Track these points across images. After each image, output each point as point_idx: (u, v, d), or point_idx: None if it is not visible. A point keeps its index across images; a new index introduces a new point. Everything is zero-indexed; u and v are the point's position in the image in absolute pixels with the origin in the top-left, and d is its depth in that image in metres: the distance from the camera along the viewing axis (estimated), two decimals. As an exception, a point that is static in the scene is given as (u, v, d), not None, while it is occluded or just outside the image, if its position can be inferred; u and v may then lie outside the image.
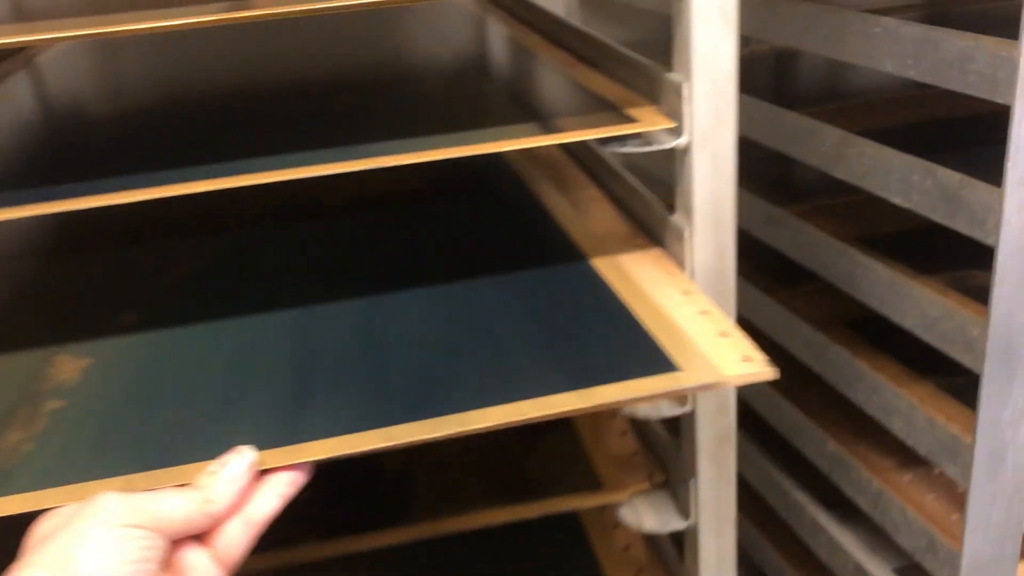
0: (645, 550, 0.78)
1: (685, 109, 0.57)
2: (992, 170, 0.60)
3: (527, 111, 0.64)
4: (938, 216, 0.66)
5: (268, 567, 0.64)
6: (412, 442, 0.45)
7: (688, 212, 0.60)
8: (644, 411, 0.66)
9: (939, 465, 0.70)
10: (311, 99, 0.73)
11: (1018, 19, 0.55)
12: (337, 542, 0.66)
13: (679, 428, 0.67)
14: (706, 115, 0.57)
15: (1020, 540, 0.71)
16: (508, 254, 0.66)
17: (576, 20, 0.90)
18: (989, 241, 0.61)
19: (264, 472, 0.44)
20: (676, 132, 0.58)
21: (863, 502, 0.82)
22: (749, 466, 0.99)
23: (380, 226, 0.73)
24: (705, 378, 0.49)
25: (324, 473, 0.47)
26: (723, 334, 0.53)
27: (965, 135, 0.84)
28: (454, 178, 0.82)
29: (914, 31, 0.65)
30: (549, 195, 0.76)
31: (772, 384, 0.92)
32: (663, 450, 0.71)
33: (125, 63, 0.93)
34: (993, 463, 0.66)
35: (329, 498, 0.72)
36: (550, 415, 0.46)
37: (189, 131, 0.66)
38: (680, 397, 0.64)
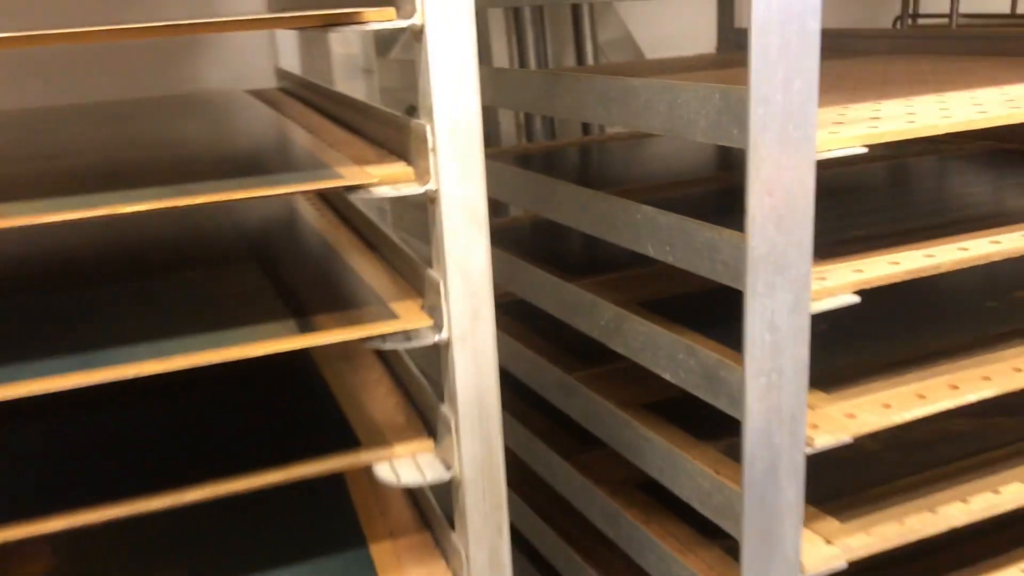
0: None
1: (443, 307, 0.58)
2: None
3: (295, 305, 0.64)
4: (701, 393, 0.68)
5: None
6: None
7: (453, 404, 0.61)
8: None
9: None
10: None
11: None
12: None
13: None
14: (462, 313, 0.59)
15: None
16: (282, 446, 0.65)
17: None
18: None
19: None
20: (437, 328, 0.59)
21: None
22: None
23: (164, 414, 0.71)
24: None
25: None
26: None
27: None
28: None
29: (670, 220, 0.68)
30: (338, 380, 0.76)
31: (577, 550, 0.92)
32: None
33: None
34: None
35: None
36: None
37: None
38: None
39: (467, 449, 0.61)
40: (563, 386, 0.90)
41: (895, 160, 1.04)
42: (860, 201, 0.84)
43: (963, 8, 1.45)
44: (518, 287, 0.93)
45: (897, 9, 1.46)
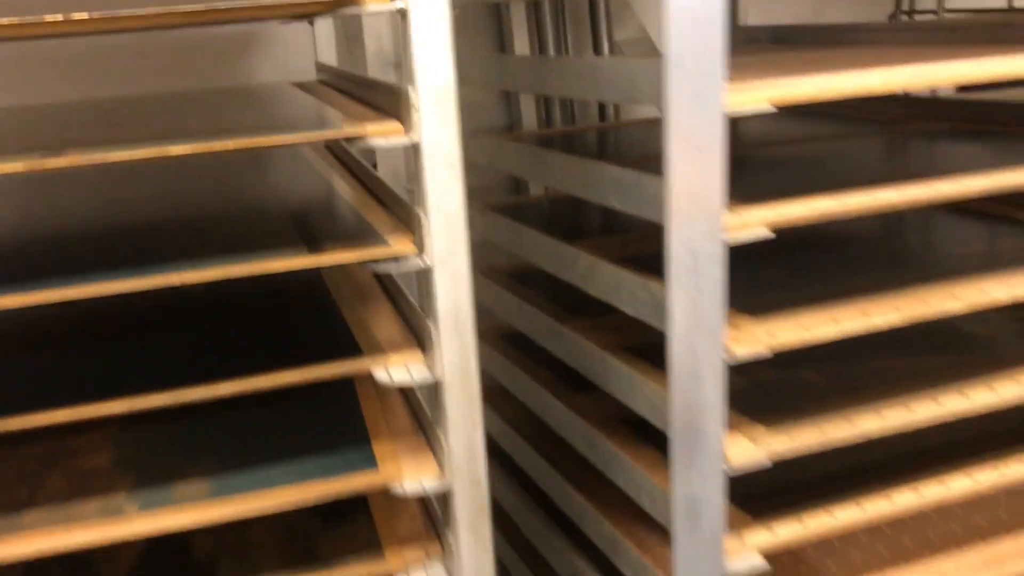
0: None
1: (427, 238, 0.72)
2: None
3: (310, 236, 0.78)
4: (652, 320, 0.81)
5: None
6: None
7: (435, 319, 0.75)
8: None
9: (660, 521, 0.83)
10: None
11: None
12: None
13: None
14: (442, 243, 0.72)
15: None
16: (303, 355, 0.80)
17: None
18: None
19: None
20: (420, 255, 0.73)
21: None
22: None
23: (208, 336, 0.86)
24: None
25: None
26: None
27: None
28: (276, 287, 0.96)
29: (616, 173, 0.81)
30: (351, 312, 0.90)
31: (564, 475, 1.05)
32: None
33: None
34: (690, 515, 0.79)
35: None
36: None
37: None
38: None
39: (447, 356, 0.75)
40: (555, 333, 1.03)
41: (851, 137, 1.15)
42: (798, 165, 0.97)
43: (958, 3, 1.56)
44: (526, 253, 1.06)
45: (890, 7, 1.58)
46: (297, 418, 0.89)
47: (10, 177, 1.14)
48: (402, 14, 0.69)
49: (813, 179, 0.88)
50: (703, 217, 0.71)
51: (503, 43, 1.60)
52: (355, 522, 0.88)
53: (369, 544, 0.84)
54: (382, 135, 0.71)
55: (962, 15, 1.54)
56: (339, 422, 0.87)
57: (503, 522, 1.22)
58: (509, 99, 1.61)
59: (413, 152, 0.72)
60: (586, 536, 0.99)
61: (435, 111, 0.70)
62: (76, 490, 0.78)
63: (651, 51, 1.68)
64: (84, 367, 0.81)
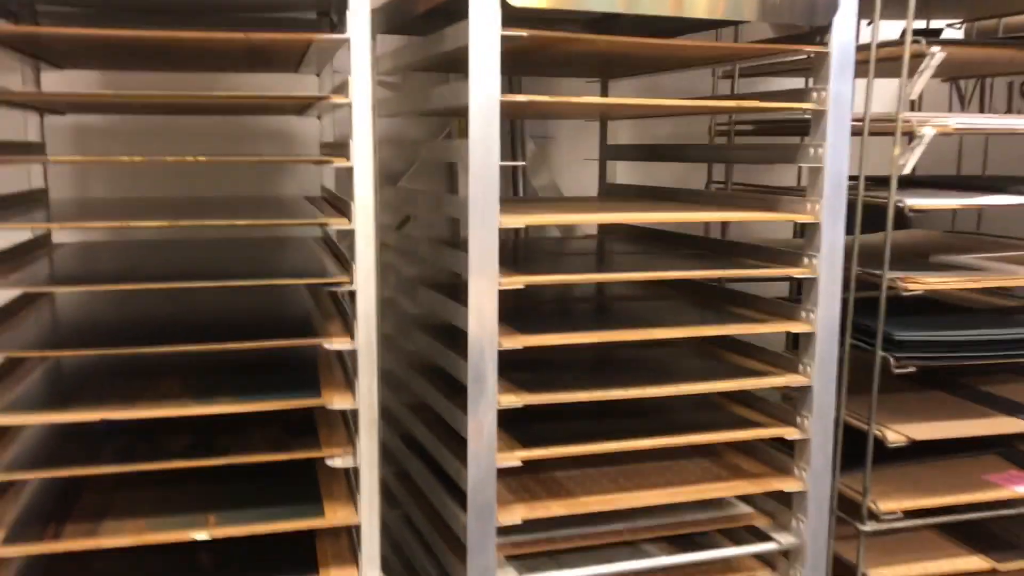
0: None
1: (355, 273, 1.48)
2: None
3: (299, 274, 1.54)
4: (464, 328, 1.55)
5: None
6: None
7: (357, 320, 1.50)
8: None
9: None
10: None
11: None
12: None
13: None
14: (362, 276, 1.48)
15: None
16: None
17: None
18: (480, 340, 1.51)
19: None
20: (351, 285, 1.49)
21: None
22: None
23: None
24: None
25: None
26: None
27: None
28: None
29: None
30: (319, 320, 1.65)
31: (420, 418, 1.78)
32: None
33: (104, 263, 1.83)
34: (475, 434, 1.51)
35: None
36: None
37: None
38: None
39: (362, 333, 1.50)
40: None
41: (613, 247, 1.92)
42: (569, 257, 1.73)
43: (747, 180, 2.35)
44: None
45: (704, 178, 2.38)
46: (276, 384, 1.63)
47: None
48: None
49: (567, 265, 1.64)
50: (488, 276, 1.46)
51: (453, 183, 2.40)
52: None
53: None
54: (337, 224, 1.48)
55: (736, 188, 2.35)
56: (299, 371, 1.61)
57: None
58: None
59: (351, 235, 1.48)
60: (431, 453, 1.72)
61: (363, 217, 1.47)
62: None
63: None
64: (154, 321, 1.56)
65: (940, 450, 1.96)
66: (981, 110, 2.72)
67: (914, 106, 2.63)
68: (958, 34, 2.55)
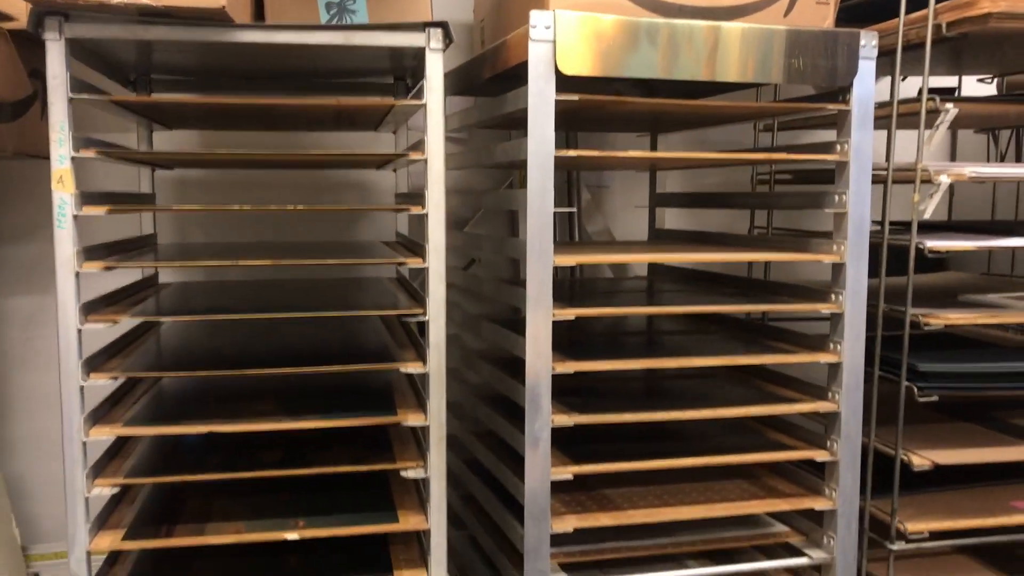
0: None
1: (428, 306, 1.69)
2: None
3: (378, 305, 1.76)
4: (520, 355, 1.75)
5: None
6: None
7: (428, 345, 1.70)
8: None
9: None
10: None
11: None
12: None
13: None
14: (435, 307, 1.69)
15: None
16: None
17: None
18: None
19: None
20: (424, 314, 1.70)
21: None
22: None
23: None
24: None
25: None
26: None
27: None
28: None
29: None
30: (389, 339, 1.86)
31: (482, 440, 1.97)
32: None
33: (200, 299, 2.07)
34: (532, 445, 1.70)
35: None
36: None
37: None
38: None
39: (433, 360, 1.70)
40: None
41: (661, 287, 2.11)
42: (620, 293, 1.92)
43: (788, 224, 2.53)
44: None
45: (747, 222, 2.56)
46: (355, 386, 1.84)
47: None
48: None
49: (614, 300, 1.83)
50: (543, 308, 1.66)
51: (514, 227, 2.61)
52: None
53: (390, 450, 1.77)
54: (413, 264, 1.70)
55: (776, 232, 2.52)
56: (376, 394, 1.82)
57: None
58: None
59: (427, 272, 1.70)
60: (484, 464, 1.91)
61: (435, 257, 1.68)
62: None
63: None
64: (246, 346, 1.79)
65: (969, 478, 2.10)
66: (1018, 159, 2.86)
67: (953, 156, 2.79)
68: (989, 89, 2.71)
